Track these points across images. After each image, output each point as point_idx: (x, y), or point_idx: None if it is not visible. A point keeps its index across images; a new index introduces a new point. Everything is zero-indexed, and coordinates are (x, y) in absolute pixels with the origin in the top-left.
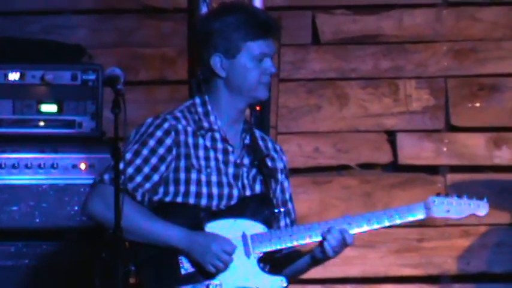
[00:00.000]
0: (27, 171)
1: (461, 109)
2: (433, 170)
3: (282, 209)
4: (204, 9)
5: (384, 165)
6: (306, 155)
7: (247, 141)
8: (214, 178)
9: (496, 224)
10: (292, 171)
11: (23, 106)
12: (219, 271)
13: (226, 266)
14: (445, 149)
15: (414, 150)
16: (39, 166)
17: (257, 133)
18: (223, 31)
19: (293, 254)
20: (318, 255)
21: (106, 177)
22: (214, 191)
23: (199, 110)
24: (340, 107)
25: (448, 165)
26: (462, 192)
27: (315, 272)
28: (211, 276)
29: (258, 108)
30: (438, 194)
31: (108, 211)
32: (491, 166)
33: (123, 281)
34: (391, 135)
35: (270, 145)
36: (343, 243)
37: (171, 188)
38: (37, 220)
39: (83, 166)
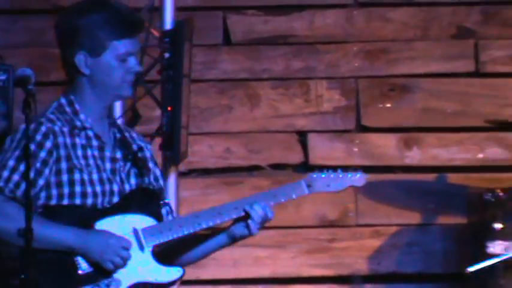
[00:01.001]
0: None
1: (372, 109)
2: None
3: (166, 200)
4: None
5: (295, 166)
6: (217, 155)
7: (117, 135)
8: (95, 176)
9: (406, 224)
10: (204, 172)
11: None
12: (117, 268)
13: (124, 262)
14: (356, 150)
15: (325, 150)
16: None
17: (122, 126)
18: (89, 29)
19: (189, 239)
20: (239, 233)
21: None
22: (98, 188)
23: (67, 109)
24: (251, 107)
25: (359, 165)
26: (372, 195)
27: (226, 273)
28: (110, 274)
29: (169, 108)
30: (313, 171)
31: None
32: (402, 166)
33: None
34: (302, 136)
35: (134, 135)
36: (266, 219)
37: (54, 191)
38: None
39: None
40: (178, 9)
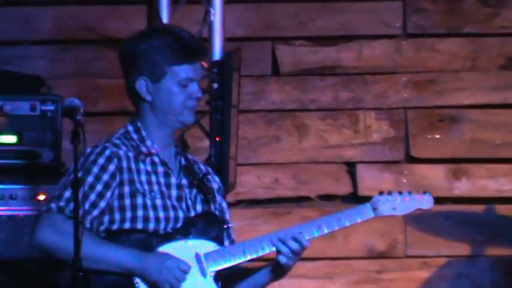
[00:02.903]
0: None
1: (420, 140)
2: None
3: (229, 225)
4: None
5: (344, 197)
6: (266, 186)
7: (183, 162)
8: (159, 202)
9: (455, 256)
10: (252, 202)
11: None
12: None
13: (180, 283)
14: (404, 180)
15: (374, 181)
16: None
17: (189, 156)
18: (149, 54)
19: (242, 271)
20: (276, 267)
21: (53, 206)
22: (161, 214)
23: (134, 136)
24: (299, 138)
25: None
26: (421, 226)
27: None
28: None
29: (217, 139)
30: (381, 193)
31: (59, 239)
32: (451, 198)
33: None
34: (350, 167)
35: (202, 167)
36: (301, 248)
37: (117, 216)
38: None
39: (41, 197)
40: (226, 39)
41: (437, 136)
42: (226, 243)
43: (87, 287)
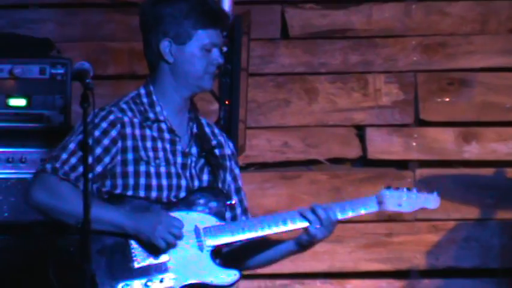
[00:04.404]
0: None
1: (430, 104)
2: (402, 164)
3: (233, 201)
4: None
5: (353, 160)
6: (275, 149)
7: (195, 130)
8: (163, 169)
9: (464, 219)
10: (261, 166)
11: None
12: (169, 246)
13: (175, 240)
14: (414, 144)
15: (383, 145)
16: (8, 160)
17: (203, 120)
18: (175, 16)
19: (257, 244)
20: (306, 240)
21: (48, 166)
22: (164, 182)
23: (144, 100)
24: (309, 101)
25: (418, 160)
26: (432, 187)
27: (284, 267)
28: (165, 269)
29: (226, 102)
30: (388, 187)
31: (52, 200)
32: (461, 161)
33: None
34: (360, 130)
35: (216, 131)
36: (330, 221)
37: (119, 181)
38: (6, 214)
39: None
40: (236, 3)
41: (447, 99)
42: (239, 211)
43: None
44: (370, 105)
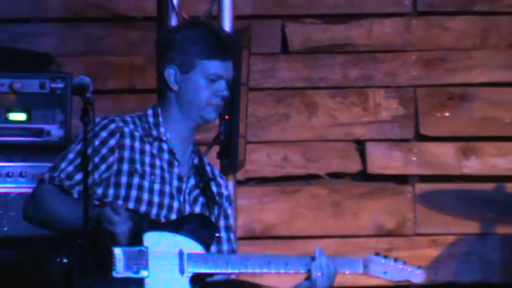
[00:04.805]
0: None
1: (430, 118)
2: (402, 179)
3: (222, 235)
4: (173, 18)
5: (353, 175)
6: (275, 164)
7: (195, 161)
8: (157, 186)
9: (464, 234)
10: (261, 180)
11: None
12: (116, 237)
13: (119, 228)
14: (414, 159)
15: (383, 159)
16: (8, 175)
17: (205, 159)
18: (182, 44)
19: (231, 283)
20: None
21: (46, 176)
22: (156, 199)
23: (150, 120)
24: (309, 116)
25: (417, 174)
26: (430, 204)
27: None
28: (142, 285)
29: (226, 117)
30: (377, 254)
31: (37, 211)
32: (460, 176)
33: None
34: (360, 145)
35: (216, 172)
36: (334, 273)
37: (111, 191)
38: (5, 229)
39: None
40: (236, 17)
41: (447, 114)
42: (225, 247)
43: (65, 250)
44: (370, 119)
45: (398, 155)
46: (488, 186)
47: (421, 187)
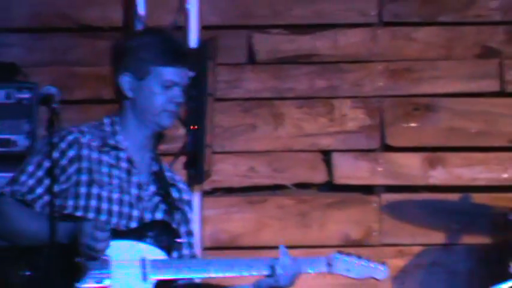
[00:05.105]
0: None
1: (396, 129)
2: (368, 189)
3: (183, 240)
4: (139, 28)
5: (320, 185)
6: (241, 174)
7: (154, 168)
8: (115, 195)
9: (430, 244)
10: (227, 191)
11: None
12: (95, 252)
13: (101, 244)
14: (380, 169)
15: (349, 170)
16: None
17: (165, 165)
18: (136, 51)
19: (193, 286)
20: (265, 285)
21: (6, 189)
22: (115, 208)
23: (107, 129)
24: (275, 126)
25: (383, 185)
26: (396, 214)
27: None
28: None
29: (193, 127)
30: (340, 252)
31: (1, 223)
32: (426, 186)
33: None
34: (326, 155)
35: (177, 178)
36: (297, 273)
37: (70, 202)
38: None
39: None
40: (202, 28)
41: (413, 124)
42: (186, 252)
43: (28, 262)
44: (336, 130)
45: (365, 166)
46: (454, 196)
47: (387, 197)
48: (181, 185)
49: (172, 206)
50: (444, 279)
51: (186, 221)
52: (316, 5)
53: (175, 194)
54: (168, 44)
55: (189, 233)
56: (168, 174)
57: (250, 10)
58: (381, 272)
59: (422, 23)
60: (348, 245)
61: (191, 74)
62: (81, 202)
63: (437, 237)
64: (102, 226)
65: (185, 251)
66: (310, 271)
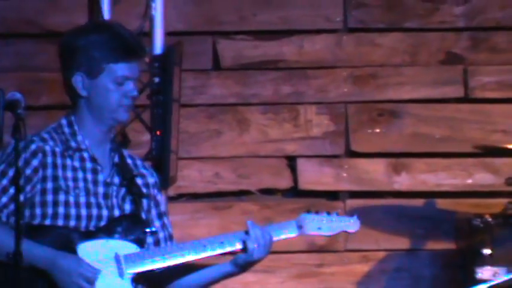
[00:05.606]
0: None
1: (361, 135)
2: (333, 195)
3: (153, 229)
4: None
5: (284, 191)
6: (206, 180)
7: (116, 159)
8: (82, 199)
9: (394, 250)
10: (193, 196)
11: None
12: (91, 284)
13: (91, 284)
14: (345, 175)
15: (314, 175)
16: None
17: (125, 152)
18: (87, 50)
19: (185, 267)
20: (242, 259)
21: None
22: (83, 212)
23: (66, 130)
24: (240, 132)
25: (348, 190)
26: (361, 220)
27: None
28: None
29: (158, 133)
30: (308, 211)
31: None
32: (391, 192)
33: None
34: (291, 161)
35: (138, 163)
36: (267, 240)
37: (38, 211)
38: None
39: None
40: (167, 34)
41: (378, 130)
42: (161, 235)
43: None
44: (301, 136)
45: (329, 171)
46: (418, 202)
47: (352, 203)
48: (144, 170)
49: (138, 194)
50: (409, 285)
51: (156, 203)
52: (282, 11)
53: (139, 181)
54: (117, 40)
55: (161, 215)
56: (129, 161)
57: (215, 16)
58: (352, 224)
59: (387, 29)
60: (313, 251)
61: (145, 60)
62: (49, 210)
63: (402, 243)
64: (93, 277)
65: (160, 234)
66: (282, 237)
